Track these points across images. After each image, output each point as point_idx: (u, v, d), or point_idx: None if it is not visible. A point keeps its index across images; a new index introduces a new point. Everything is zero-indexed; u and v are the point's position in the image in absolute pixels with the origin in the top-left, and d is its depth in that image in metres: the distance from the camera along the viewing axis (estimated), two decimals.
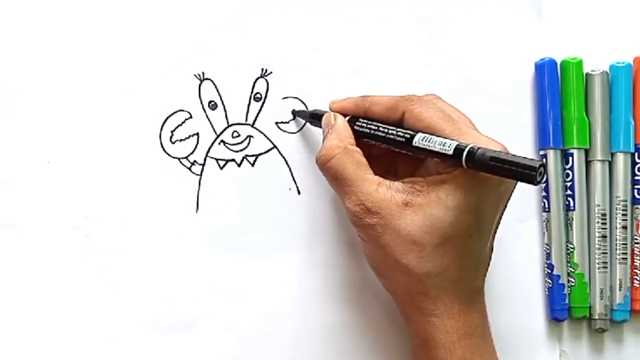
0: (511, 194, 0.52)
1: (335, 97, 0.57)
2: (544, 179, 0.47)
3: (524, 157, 0.47)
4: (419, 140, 0.50)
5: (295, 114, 0.58)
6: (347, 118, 0.55)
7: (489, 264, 0.53)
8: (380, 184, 0.51)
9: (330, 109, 0.56)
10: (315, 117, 0.57)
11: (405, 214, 0.50)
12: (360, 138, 0.54)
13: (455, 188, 0.49)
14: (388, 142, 0.52)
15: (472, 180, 0.49)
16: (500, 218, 0.52)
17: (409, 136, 0.51)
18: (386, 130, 0.52)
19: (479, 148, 0.48)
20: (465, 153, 0.48)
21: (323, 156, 0.53)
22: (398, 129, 0.52)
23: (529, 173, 0.46)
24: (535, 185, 0.46)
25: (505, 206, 0.52)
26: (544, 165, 0.46)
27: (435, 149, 0.49)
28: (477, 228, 0.50)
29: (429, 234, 0.49)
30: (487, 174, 0.48)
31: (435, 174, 0.51)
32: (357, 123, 0.54)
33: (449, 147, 0.49)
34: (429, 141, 0.50)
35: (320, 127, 0.56)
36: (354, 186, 0.51)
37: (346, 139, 0.53)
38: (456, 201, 0.49)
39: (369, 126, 0.53)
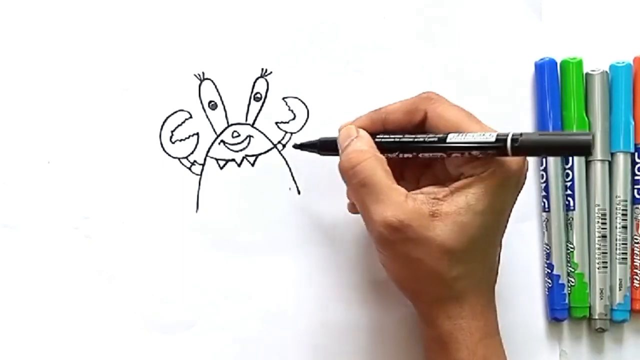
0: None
1: (334, 99, 0.58)
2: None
3: (572, 132, 0.46)
4: (453, 137, 0.49)
5: (299, 147, 0.56)
6: None
7: (499, 261, 0.53)
8: (407, 195, 0.49)
9: (340, 132, 0.53)
10: (325, 146, 0.53)
11: (435, 225, 0.48)
12: (383, 153, 0.51)
13: (484, 192, 0.48)
14: (416, 148, 0.50)
15: (499, 182, 0.49)
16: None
17: (442, 135, 0.49)
18: (412, 137, 0.50)
19: (521, 133, 0.47)
20: (509, 139, 0.47)
21: (351, 159, 0.50)
22: (424, 134, 0.50)
23: (585, 139, 0.45)
24: (589, 155, 0.45)
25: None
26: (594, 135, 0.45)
27: (475, 140, 0.48)
28: (497, 228, 0.51)
29: (458, 241, 0.48)
30: (536, 156, 0.47)
31: (444, 178, 0.50)
32: (377, 138, 0.51)
33: (490, 135, 0.48)
34: (464, 137, 0.48)
35: (334, 154, 0.53)
36: (384, 194, 0.48)
37: (373, 148, 0.50)
38: (485, 205, 0.48)
39: (391, 138, 0.51)
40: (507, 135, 0.47)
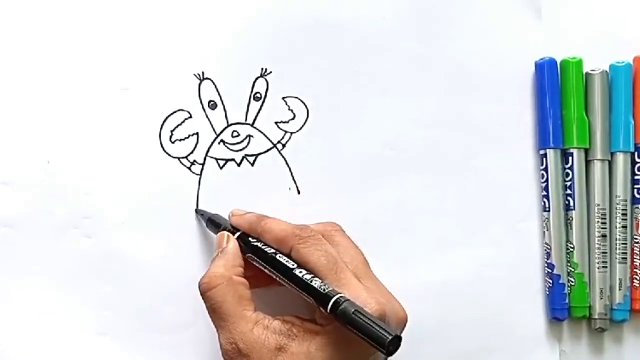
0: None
1: (334, 99, 0.57)
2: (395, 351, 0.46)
3: (382, 327, 0.46)
4: (302, 273, 0.50)
5: (198, 212, 0.57)
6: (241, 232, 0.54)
7: None
8: (257, 323, 0.50)
9: (229, 219, 0.55)
10: (212, 224, 0.55)
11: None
12: (251, 254, 0.53)
13: (326, 344, 0.49)
14: (270, 264, 0.51)
15: (343, 338, 0.48)
16: None
17: (291, 267, 0.50)
18: (274, 253, 0.51)
19: (345, 301, 0.47)
20: (331, 303, 0.47)
21: (205, 284, 0.51)
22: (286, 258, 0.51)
23: (379, 342, 0.45)
24: (389, 355, 0.45)
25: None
26: (400, 339, 0.45)
27: (307, 286, 0.49)
28: None
29: None
30: (348, 330, 0.47)
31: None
32: (251, 238, 0.53)
33: (323, 291, 0.48)
34: (311, 280, 0.49)
35: (215, 233, 0.55)
36: (230, 322, 0.50)
37: (234, 269, 0.52)
38: (325, 358, 0.48)
39: (258, 244, 0.53)
40: (333, 297, 0.47)
